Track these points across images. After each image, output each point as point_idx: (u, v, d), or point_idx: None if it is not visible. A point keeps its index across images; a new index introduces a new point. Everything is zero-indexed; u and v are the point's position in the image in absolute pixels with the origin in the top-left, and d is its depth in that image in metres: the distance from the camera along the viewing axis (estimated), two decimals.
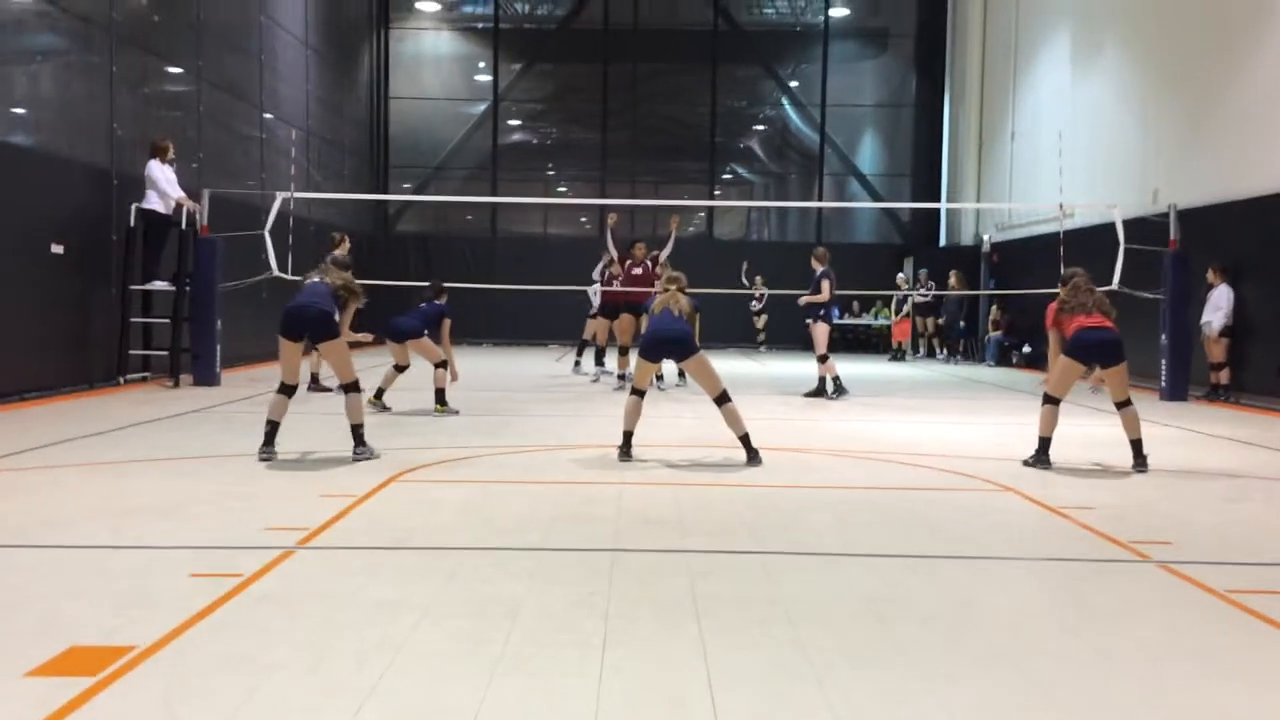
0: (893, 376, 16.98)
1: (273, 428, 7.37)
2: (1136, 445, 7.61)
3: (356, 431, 7.41)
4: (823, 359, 12.61)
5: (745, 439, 7.54)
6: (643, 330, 8.13)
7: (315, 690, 3.14)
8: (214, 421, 9.44)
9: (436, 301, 10.68)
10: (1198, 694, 3.30)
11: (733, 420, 7.58)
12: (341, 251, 11.91)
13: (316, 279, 7.66)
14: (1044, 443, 7.64)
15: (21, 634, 3.58)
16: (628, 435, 7.61)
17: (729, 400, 7.62)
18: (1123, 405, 7.67)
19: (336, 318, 7.52)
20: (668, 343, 7.74)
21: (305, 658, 3.40)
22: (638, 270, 13.47)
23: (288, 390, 7.43)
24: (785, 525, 5.65)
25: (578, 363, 15.63)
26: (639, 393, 7.76)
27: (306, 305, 7.42)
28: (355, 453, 7.34)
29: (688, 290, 8.03)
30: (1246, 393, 12.63)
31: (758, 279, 21.72)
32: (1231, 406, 12.26)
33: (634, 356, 13.48)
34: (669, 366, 11.99)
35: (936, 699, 3.16)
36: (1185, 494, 6.85)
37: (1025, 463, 7.63)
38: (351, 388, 7.46)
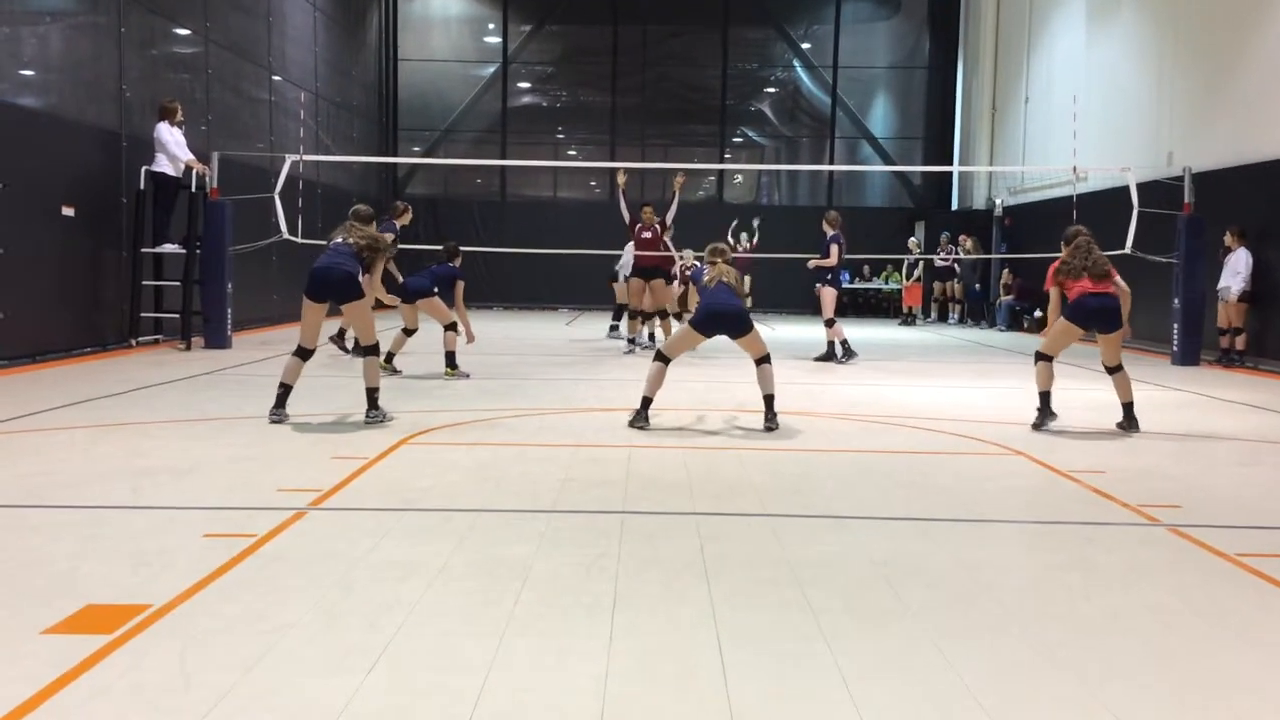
0: (903, 341, 16.94)
1: (285, 390, 7.38)
2: (1128, 408, 7.66)
3: (371, 395, 7.41)
4: (829, 323, 12.59)
5: (770, 400, 7.55)
6: (687, 300, 7.97)
7: (328, 650, 3.17)
8: (226, 384, 9.48)
9: (450, 264, 10.66)
10: (1207, 657, 3.30)
11: (766, 380, 7.57)
12: (403, 221, 11.79)
13: (340, 239, 7.56)
14: (1044, 397, 7.67)
15: (38, 592, 3.62)
16: (646, 401, 7.48)
17: (768, 361, 7.64)
18: (1114, 370, 7.71)
19: (362, 278, 7.47)
20: (725, 318, 7.59)
21: (318, 618, 3.43)
22: (647, 234, 13.37)
23: (304, 354, 7.42)
24: (794, 488, 5.66)
25: (614, 326, 15.61)
26: (665, 359, 7.65)
27: (331, 267, 7.37)
28: (368, 416, 7.35)
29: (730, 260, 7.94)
30: (1264, 358, 12.58)
31: (743, 236, 20.48)
32: (1245, 371, 12.21)
33: (652, 324, 13.75)
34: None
35: (945, 661, 3.18)
36: (1195, 458, 6.84)
37: (1034, 426, 7.62)
38: (371, 350, 7.47)
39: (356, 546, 4.27)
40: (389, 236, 11.03)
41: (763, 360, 7.60)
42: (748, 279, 16.76)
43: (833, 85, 24.49)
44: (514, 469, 5.96)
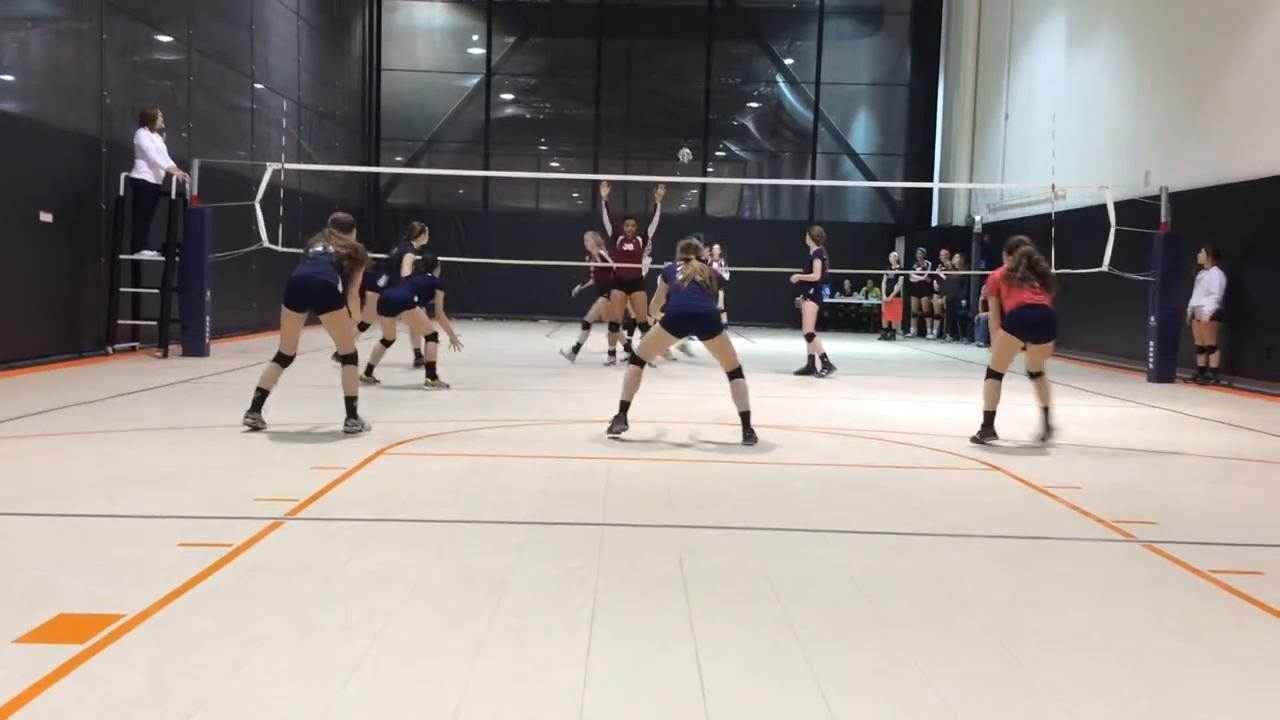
0: (883, 356, 17.01)
1: (261, 395, 7.33)
2: (1046, 413, 7.77)
3: (350, 403, 7.38)
4: (809, 337, 12.64)
5: (746, 416, 7.50)
6: (659, 302, 7.89)
7: (303, 661, 3.15)
8: (203, 392, 9.42)
9: (430, 274, 10.65)
10: (1182, 673, 3.32)
11: (740, 395, 7.50)
12: (420, 241, 11.79)
13: (320, 247, 7.49)
14: (988, 417, 7.72)
15: (10, 601, 3.58)
16: (624, 405, 7.46)
17: (741, 376, 7.56)
18: (1036, 376, 7.83)
19: (340, 287, 7.41)
20: (697, 319, 7.56)
21: (293, 629, 3.41)
22: (629, 246, 13.38)
23: (283, 360, 7.38)
24: (774, 502, 5.67)
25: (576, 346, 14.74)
26: (640, 362, 7.66)
27: (310, 276, 7.31)
28: (347, 425, 7.32)
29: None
30: (1238, 375, 12.69)
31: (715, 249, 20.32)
32: (1220, 389, 12.31)
33: (629, 334, 13.71)
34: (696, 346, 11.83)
35: (923, 675, 3.19)
36: (1171, 475, 6.89)
37: (973, 439, 7.67)
38: (350, 359, 7.44)
39: (334, 557, 4.24)
40: (410, 257, 11.04)
41: (735, 374, 7.54)
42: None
43: (815, 101, 24.64)
44: (493, 480, 5.95)
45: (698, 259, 7.74)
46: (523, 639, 3.39)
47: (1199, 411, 10.16)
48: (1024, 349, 7.86)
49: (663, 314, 7.70)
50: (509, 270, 19.41)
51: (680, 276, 7.62)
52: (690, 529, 4.94)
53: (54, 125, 11.40)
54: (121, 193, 12.19)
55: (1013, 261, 7.77)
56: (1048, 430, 7.69)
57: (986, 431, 7.70)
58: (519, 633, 3.44)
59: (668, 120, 26.61)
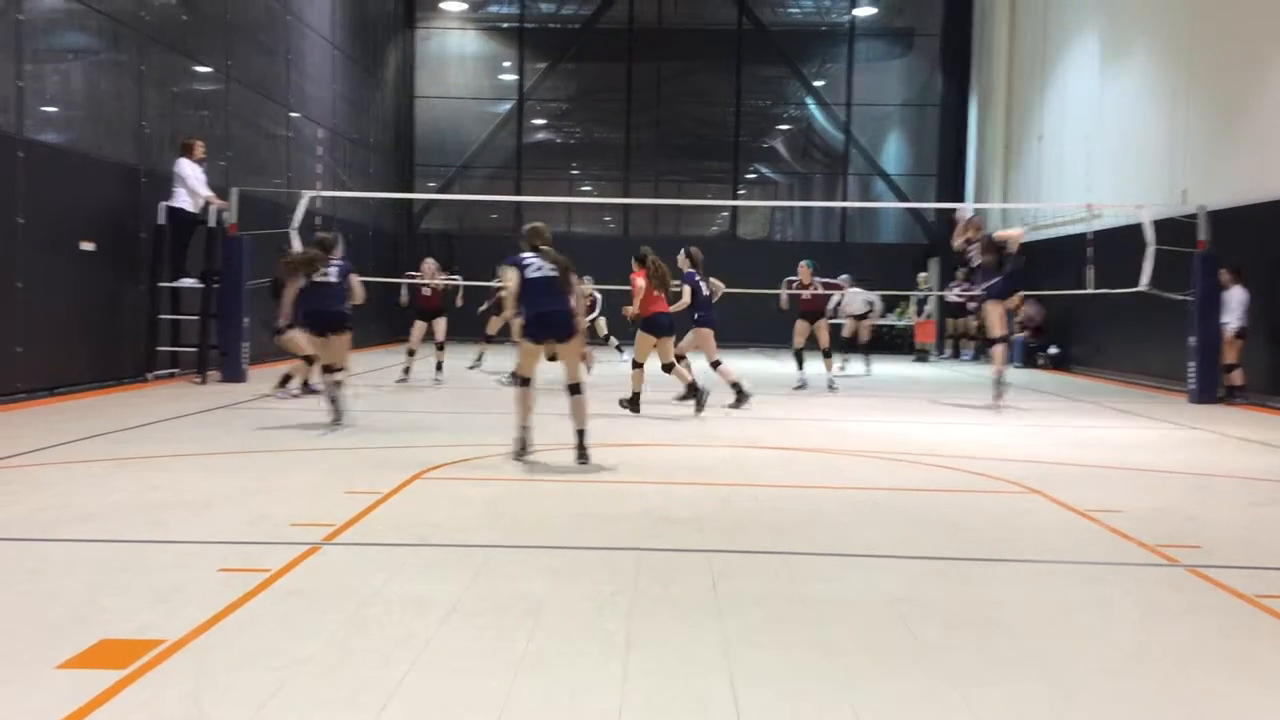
0: (917, 377, 16.90)
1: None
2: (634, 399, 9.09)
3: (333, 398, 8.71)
4: (715, 364, 11.41)
5: (582, 434, 7.28)
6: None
7: (341, 686, 3.16)
8: (240, 418, 9.51)
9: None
10: (1229, 701, 3.26)
11: (579, 411, 7.28)
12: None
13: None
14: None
15: (54, 626, 3.63)
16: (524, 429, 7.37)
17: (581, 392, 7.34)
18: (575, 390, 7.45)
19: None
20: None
21: (331, 654, 3.43)
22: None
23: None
24: (807, 525, 5.64)
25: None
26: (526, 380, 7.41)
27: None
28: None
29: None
30: (1275, 395, 12.51)
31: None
32: (1258, 409, 12.13)
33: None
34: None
35: (963, 703, 3.15)
36: (1215, 498, 6.78)
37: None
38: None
39: (370, 582, 4.26)
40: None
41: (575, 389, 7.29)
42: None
43: (846, 122, 24.63)
44: (527, 504, 5.96)
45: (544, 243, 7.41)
46: (558, 664, 3.39)
47: (1241, 432, 10.01)
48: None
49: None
50: None
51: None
52: (724, 553, 4.92)
53: (94, 156, 11.61)
54: (160, 221, 12.38)
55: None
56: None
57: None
58: (554, 658, 3.44)
59: (698, 143, 26.72)
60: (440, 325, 13.63)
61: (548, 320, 7.22)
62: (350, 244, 12.82)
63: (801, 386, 13.52)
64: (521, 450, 7.38)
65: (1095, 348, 17.65)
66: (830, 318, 14.44)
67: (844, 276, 17.31)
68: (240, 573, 4.30)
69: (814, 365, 14.21)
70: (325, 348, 9.01)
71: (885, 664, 3.47)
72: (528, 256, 7.33)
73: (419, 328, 13.55)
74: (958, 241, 12.45)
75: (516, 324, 7.36)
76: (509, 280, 7.33)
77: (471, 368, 15.01)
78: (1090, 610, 4.22)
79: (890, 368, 18.56)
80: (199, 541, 4.91)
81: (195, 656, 3.37)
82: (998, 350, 11.86)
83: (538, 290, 7.21)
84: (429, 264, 13.73)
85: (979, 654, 3.60)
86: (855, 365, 17.54)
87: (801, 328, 13.74)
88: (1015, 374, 17.87)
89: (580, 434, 7.27)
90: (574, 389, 7.29)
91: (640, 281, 10.37)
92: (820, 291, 13.78)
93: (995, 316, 11.84)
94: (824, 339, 13.76)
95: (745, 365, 15.03)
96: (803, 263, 13.73)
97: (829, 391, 13.36)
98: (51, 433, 8.10)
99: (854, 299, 17.43)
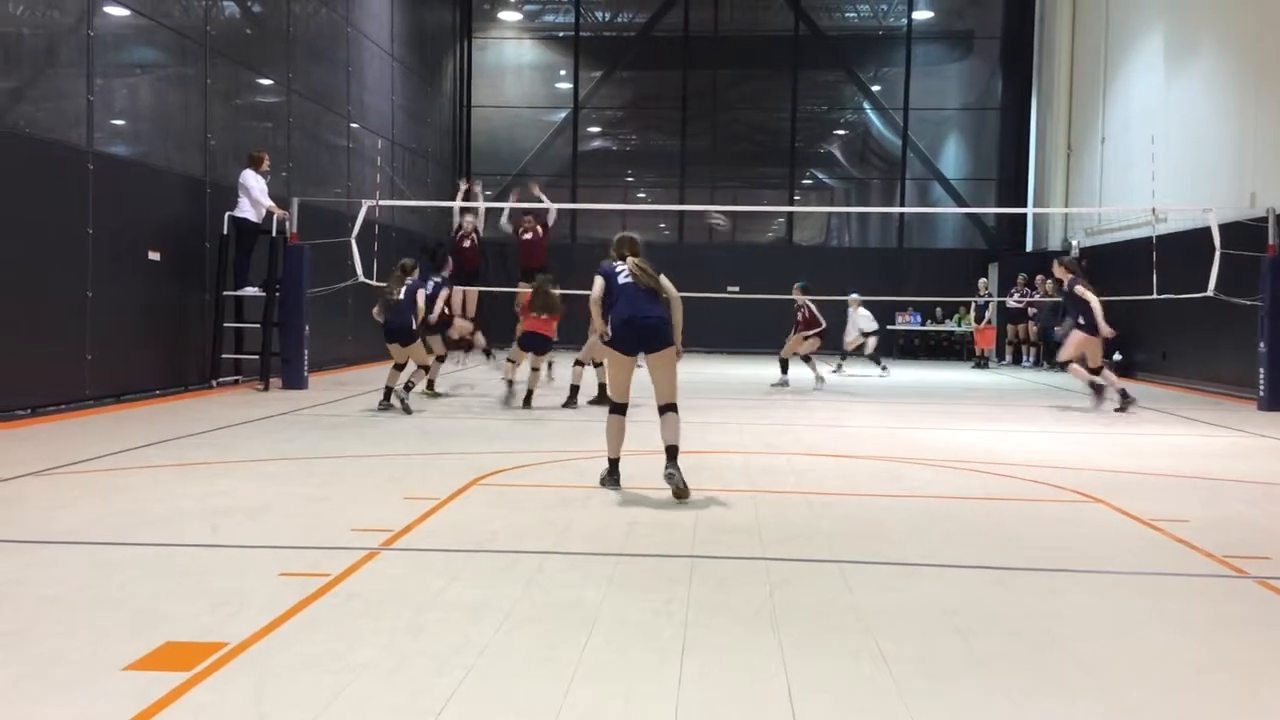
0: (976, 384, 16.68)
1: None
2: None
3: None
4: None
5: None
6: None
7: (399, 691, 3.20)
8: (302, 424, 9.67)
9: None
10: None
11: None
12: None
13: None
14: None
15: (120, 629, 3.71)
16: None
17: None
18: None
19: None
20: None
21: (389, 658, 3.47)
22: (528, 236, 15.46)
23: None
24: (865, 534, 5.59)
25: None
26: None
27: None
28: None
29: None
30: None
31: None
32: None
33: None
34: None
35: (1020, 716, 3.10)
36: None
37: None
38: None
39: (427, 587, 4.30)
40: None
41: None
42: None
43: (903, 127, 24.39)
44: (583, 511, 5.98)
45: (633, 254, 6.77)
46: (613, 671, 3.40)
47: None
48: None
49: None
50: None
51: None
52: (780, 561, 4.90)
53: (161, 168, 11.89)
54: (225, 231, 12.64)
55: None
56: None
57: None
58: (610, 665, 3.45)
59: (753, 149, 26.63)
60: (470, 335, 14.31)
61: (638, 327, 6.52)
62: (408, 253, 12.96)
63: (783, 385, 14.58)
64: (614, 483, 6.65)
65: (1160, 354, 17.30)
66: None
67: (853, 295, 17.81)
68: (301, 577, 4.37)
69: (816, 368, 15.15)
70: (398, 353, 10.94)
71: (941, 675, 3.43)
72: (618, 265, 6.75)
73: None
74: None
75: (599, 334, 6.80)
76: (594, 288, 6.73)
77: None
78: (1153, 623, 4.13)
79: (949, 374, 18.34)
80: (261, 546, 5.00)
81: (257, 659, 3.43)
82: (1107, 375, 12.38)
83: (628, 296, 6.59)
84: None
85: (1037, 667, 3.54)
86: (855, 367, 17.95)
87: (794, 342, 14.95)
88: (1074, 380, 17.55)
89: (671, 450, 6.42)
90: (666, 409, 6.51)
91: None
92: (810, 313, 14.93)
93: (1094, 349, 12.23)
94: (807, 347, 14.99)
95: (793, 372, 14.98)
96: (795, 285, 15.18)
97: (815, 389, 14.51)
98: (118, 439, 8.30)
99: (862, 317, 17.95)
